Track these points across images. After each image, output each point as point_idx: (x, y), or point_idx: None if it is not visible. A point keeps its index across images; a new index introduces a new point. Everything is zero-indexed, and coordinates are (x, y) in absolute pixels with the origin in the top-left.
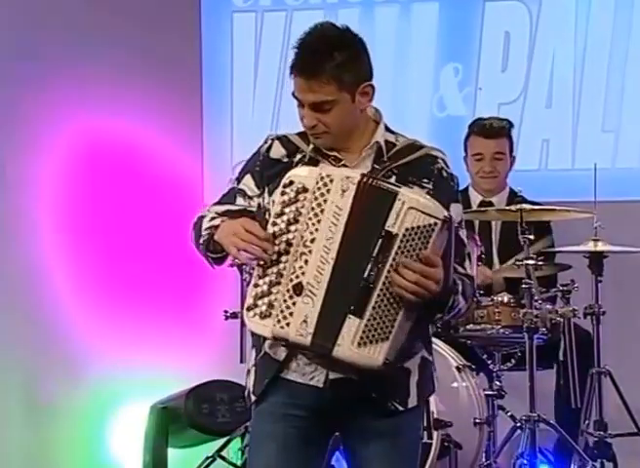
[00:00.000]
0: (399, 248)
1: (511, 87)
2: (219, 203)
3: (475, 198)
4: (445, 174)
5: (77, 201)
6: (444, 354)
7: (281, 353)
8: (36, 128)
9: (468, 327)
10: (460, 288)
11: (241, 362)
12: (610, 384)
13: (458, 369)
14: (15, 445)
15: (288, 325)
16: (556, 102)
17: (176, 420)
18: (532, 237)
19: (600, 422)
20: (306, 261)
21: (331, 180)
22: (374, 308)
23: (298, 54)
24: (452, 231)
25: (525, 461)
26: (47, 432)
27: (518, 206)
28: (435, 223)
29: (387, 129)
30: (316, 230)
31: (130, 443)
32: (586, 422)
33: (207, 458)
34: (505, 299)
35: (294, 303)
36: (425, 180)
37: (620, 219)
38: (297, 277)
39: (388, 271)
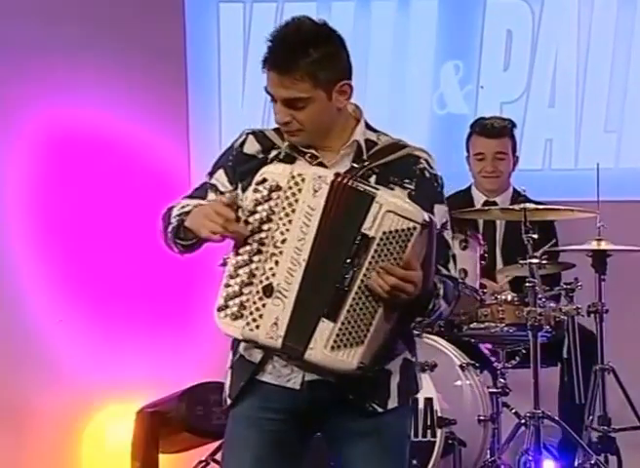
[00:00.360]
0: (376, 251)
1: (513, 86)
2: (190, 197)
3: (479, 197)
4: (428, 174)
5: (56, 195)
6: (447, 353)
7: (256, 355)
8: (11, 115)
9: (472, 325)
10: (442, 291)
11: None
12: (613, 380)
13: (461, 367)
14: None
15: (258, 327)
16: (559, 102)
17: (166, 424)
18: (535, 236)
19: (604, 417)
20: (277, 262)
21: (302, 180)
22: (348, 312)
23: (271, 47)
24: (433, 234)
25: (530, 457)
26: (30, 440)
27: (522, 205)
28: (414, 227)
29: (369, 127)
30: (287, 230)
31: (118, 450)
32: (590, 418)
33: (200, 462)
34: (509, 298)
35: (264, 305)
36: (407, 181)
37: (622, 219)
38: (267, 278)
39: (364, 275)
